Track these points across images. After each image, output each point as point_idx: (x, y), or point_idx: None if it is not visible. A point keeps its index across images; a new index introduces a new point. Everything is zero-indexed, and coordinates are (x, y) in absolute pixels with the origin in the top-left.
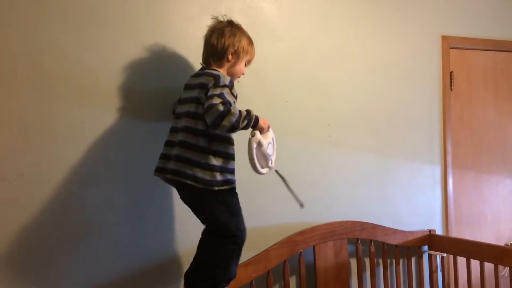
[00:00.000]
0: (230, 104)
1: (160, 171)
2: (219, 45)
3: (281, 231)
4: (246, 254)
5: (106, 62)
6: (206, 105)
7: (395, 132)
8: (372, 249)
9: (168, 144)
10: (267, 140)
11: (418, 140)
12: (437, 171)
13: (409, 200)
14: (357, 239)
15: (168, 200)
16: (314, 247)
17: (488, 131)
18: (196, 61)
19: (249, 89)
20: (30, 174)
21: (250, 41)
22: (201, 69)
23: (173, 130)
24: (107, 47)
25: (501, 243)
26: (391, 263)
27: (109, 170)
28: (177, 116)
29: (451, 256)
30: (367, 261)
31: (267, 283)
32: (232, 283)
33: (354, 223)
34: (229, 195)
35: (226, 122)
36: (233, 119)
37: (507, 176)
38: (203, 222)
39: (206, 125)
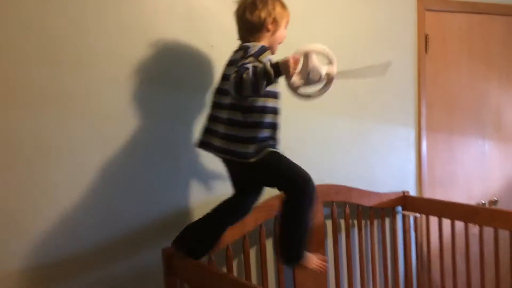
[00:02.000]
0: (245, 69)
1: (206, 145)
2: (256, 18)
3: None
4: None
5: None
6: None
7: (371, 95)
8: (347, 211)
9: (214, 119)
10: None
11: (393, 103)
12: (411, 133)
13: (384, 162)
14: (332, 202)
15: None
16: None
17: (462, 94)
18: None
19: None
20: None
21: (283, 4)
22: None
23: (218, 106)
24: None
25: (473, 202)
26: (365, 224)
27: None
28: (220, 92)
29: (424, 216)
30: (342, 222)
31: (243, 246)
32: None
33: (329, 186)
34: (270, 157)
35: (243, 87)
36: (248, 80)
37: (479, 138)
38: (278, 188)
39: (240, 99)
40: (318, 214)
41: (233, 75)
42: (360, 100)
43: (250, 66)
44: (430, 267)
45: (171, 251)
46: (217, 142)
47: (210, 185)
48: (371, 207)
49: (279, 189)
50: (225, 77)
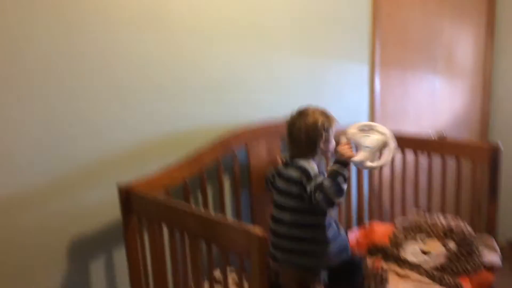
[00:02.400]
0: (322, 187)
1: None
2: (308, 139)
3: (213, 132)
4: (179, 156)
5: None
6: (313, 201)
7: (326, 32)
8: None
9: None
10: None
11: (348, 39)
12: (365, 69)
13: (339, 98)
14: None
15: None
16: (247, 146)
17: (415, 30)
18: None
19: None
20: None
21: (326, 115)
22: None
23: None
24: None
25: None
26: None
27: None
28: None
29: None
30: None
31: (201, 182)
32: (166, 182)
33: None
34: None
35: (333, 198)
36: (333, 190)
37: (430, 73)
38: None
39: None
40: (276, 149)
41: (318, 196)
42: (314, 36)
43: (323, 183)
44: (381, 196)
45: (128, 186)
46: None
47: (168, 120)
48: None
49: None
50: (283, 192)
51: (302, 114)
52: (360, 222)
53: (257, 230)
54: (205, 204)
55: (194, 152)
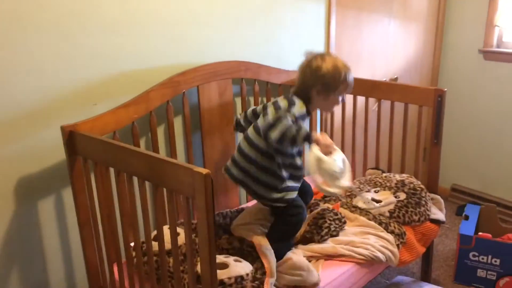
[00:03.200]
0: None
1: None
2: (314, 79)
3: (163, 73)
4: (126, 97)
5: None
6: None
7: None
8: (257, 88)
9: None
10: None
11: None
12: (322, 10)
13: (294, 39)
14: (242, 79)
15: None
16: (197, 87)
17: None
18: None
19: None
20: None
21: (348, 73)
22: None
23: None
24: None
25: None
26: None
27: None
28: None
29: None
30: (251, 100)
31: (150, 124)
32: (112, 124)
33: (238, 63)
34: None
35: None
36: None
37: (385, 16)
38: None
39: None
40: (227, 91)
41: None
42: None
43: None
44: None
45: (72, 127)
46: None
47: (116, 60)
48: (280, 85)
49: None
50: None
51: (325, 56)
52: None
53: (202, 169)
54: (156, 148)
55: (142, 92)
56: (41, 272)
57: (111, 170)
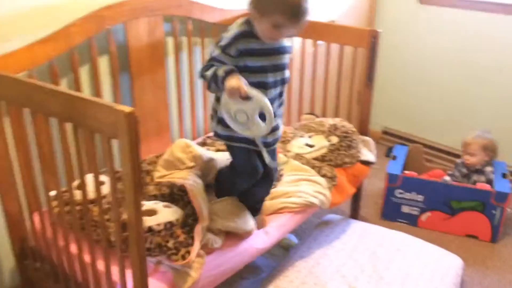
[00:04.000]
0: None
1: None
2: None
3: (85, 7)
4: (45, 31)
5: None
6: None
7: None
8: (190, 27)
9: None
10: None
11: None
12: None
13: None
14: (173, 17)
15: None
16: (125, 24)
17: None
18: None
19: None
20: None
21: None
22: None
23: None
24: None
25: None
26: (209, 42)
27: None
28: None
29: None
30: (184, 40)
31: (71, 64)
32: (27, 61)
33: None
34: None
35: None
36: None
37: None
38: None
39: None
40: (158, 29)
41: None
42: None
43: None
44: None
45: None
46: None
47: None
48: (214, 24)
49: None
50: None
51: None
52: None
53: (125, 107)
54: (78, 90)
55: (62, 27)
56: None
57: (26, 111)
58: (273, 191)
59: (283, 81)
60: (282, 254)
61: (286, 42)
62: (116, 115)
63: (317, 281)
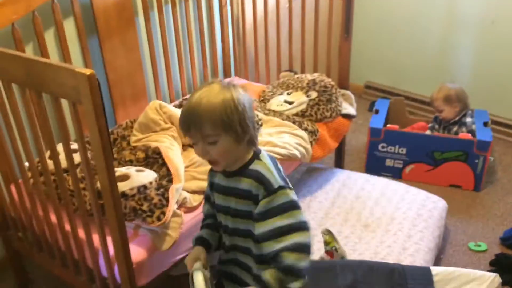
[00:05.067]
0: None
1: None
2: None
3: None
4: None
5: None
6: None
7: None
8: None
9: None
10: None
11: None
12: None
13: None
14: None
15: None
16: None
17: None
18: None
19: None
20: None
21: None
22: None
23: None
24: None
25: None
26: (180, 1)
27: None
28: None
29: None
30: None
31: (34, 26)
32: None
33: None
34: None
35: None
36: None
37: None
38: None
39: None
40: None
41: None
42: None
43: None
44: (245, 40)
45: None
46: None
47: None
48: None
49: None
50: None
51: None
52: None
53: (85, 69)
54: (45, 54)
55: None
56: None
57: None
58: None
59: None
60: None
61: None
62: (77, 78)
63: None
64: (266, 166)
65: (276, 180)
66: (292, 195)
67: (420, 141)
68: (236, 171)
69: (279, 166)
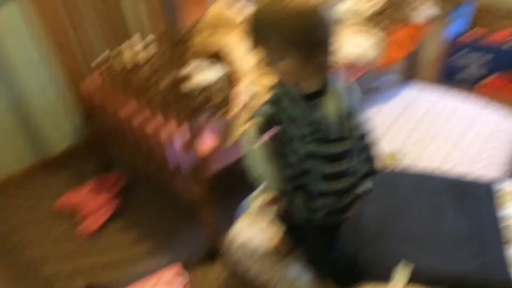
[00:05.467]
0: None
1: None
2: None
3: None
4: None
5: None
6: None
7: None
8: None
9: None
10: None
11: None
12: None
13: None
14: None
15: None
16: None
17: None
18: None
19: None
20: None
21: None
22: None
23: None
24: None
25: None
26: None
27: None
28: None
29: None
30: None
31: None
32: None
33: None
34: None
35: None
36: None
37: None
38: None
39: None
40: None
41: None
42: None
43: None
44: None
45: None
46: None
47: None
48: None
49: None
50: None
51: None
52: None
53: None
54: None
55: None
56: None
57: None
58: None
59: None
60: None
61: None
62: None
63: None
64: (333, 106)
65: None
66: (345, 147)
67: (506, 50)
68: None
69: (354, 98)
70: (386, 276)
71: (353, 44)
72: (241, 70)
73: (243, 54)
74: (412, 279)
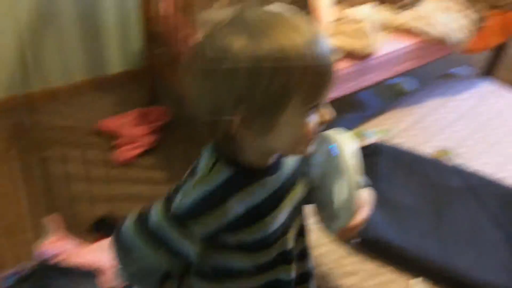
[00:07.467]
0: None
1: None
2: None
3: None
4: None
5: None
6: None
7: None
8: None
9: None
10: None
11: None
12: None
13: None
14: None
15: None
16: None
17: None
18: None
19: None
20: None
21: None
22: None
23: None
24: None
25: None
26: None
27: None
28: None
29: None
30: None
31: None
32: None
33: None
34: None
35: None
36: None
37: None
38: None
39: None
40: None
41: None
42: None
43: None
44: None
45: None
46: None
47: None
48: None
49: None
50: None
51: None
52: None
53: None
54: None
55: None
56: None
57: None
58: (416, 9)
59: None
60: (391, 97)
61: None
62: None
63: (418, 133)
64: None
65: None
66: None
67: None
68: None
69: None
70: (412, 266)
71: (440, 21)
72: (320, 20)
73: (326, 6)
74: (439, 277)
